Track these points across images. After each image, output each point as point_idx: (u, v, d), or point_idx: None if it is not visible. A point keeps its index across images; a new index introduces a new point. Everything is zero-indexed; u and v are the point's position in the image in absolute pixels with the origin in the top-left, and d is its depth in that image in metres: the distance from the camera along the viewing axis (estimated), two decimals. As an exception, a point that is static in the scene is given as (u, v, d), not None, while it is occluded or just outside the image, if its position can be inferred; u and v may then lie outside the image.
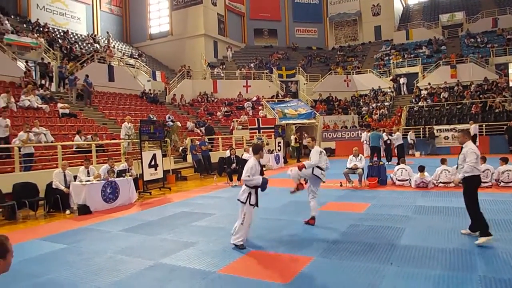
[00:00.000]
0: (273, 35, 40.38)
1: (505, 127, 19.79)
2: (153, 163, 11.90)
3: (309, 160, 6.79)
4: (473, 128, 19.73)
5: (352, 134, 23.40)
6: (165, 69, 31.80)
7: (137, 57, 29.49)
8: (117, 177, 9.89)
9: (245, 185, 5.72)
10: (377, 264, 4.73)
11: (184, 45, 33.57)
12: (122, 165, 10.90)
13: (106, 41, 29.22)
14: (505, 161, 10.08)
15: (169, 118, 18.60)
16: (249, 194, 5.65)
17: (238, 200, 5.71)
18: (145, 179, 11.51)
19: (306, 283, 4.28)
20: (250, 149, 15.63)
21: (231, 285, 4.33)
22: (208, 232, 6.64)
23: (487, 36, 31.27)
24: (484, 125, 20.79)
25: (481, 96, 23.96)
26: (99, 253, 5.66)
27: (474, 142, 19.04)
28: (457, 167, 5.78)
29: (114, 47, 28.71)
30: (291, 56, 37.41)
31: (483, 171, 9.87)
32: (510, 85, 25.44)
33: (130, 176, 10.40)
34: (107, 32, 31.12)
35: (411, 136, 20.88)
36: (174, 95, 25.51)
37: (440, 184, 10.28)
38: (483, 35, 31.66)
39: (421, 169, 10.35)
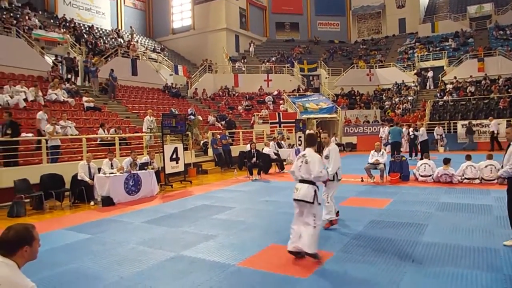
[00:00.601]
0: (295, 29, 40.06)
1: (534, 122, 19.10)
2: (174, 156, 12.05)
3: (328, 163, 6.21)
4: (493, 124, 19.19)
5: (374, 129, 23.04)
6: (187, 63, 32.05)
7: (159, 51, 29.83)
8: (139, 169, 10.07)
9: (309, 182, 4.92)
10: (398, 261, 4.67)
11: (206, 39, 33.72)
12: (145, 158, 11.10)
13: (129, 36, 29.64)
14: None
15: (190, 111, 18.75)
16: (315, 191, 4.86)
17: (301, 200, 4.89)
18: (166, 172, 11.68)
19: (326, 278, 4.27)
20: (271, 143, 15.70)
21: (250, 278, 4.36)
22: (228, 225, 6.69)
23: (517, 28, 30.11)
24: (512, 121, 20.11)
25: (509, 90, 23.16)
26: (122, 244, 5.79)
27: (495, 140, 18.65)
28: (502, 166, 5.43)
29: (137, 41, 29.09)
30: (312, 50, 37.04)
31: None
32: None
33: (152, 169, 10.58)
34: (131, 27, 31.57)
35: (437, 132, 20.38)
36: (196, 89, 25.72)
37: (465, 180, 10.03)
38: (512, 27, 30.50)
39: (446, 161, 10.13)
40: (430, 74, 28.66)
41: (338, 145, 22.75)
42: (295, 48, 36.36)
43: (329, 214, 6.25)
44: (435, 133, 20.33)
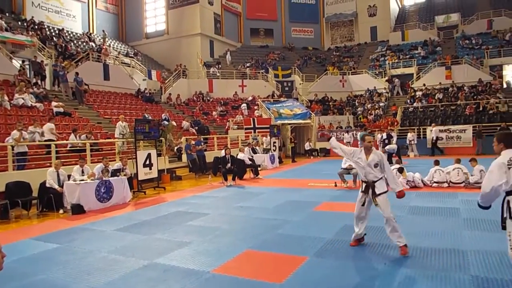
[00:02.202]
0: (269, 35, 40.42)
1: (498, 128, 19.91)
2: (147, 162, 11.86)
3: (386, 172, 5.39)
4: (434, 131, 19.93)
5: (347, 134, 23.44)
6: (161, 68, 31.73)
7: (132, 56, 29.41)
8: (111, 176, 9.86)
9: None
10: (371, 264, 4.75)
11: (180, 44, 33.51)
12: (117, 165, 10.86)
13: (101, 40, 29.07)
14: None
15: (164, 117, 18.55)
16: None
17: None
18: (139, 178, 11.48)
19: (300, 283, 4.28)
20: (246, 148, 15.69)
21: (225, 285, 4.33)
22: (203, 232, 6.63)
23: (482, 38, 31.44)
24: (478, 126, 20.92)
25: (475, 97, 24.12)
26: (92, 253, 5.63)
27: (436, 146, 19.21)
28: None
29: (109, 45, 28.58)
30: (287, 56, 37.43)
31: (480, 171, 9.97)
32: (504, 87, 25.67)
33: (124, 175, 10.38)
34: (103, 31, 30.96)
35: (409, 137, 20.91)
36: (170, 94, 25.46)
37: (434, 184, 10.34)
38: (478, 36, 31.83)
39: (401, 170, 10.43)
40: (397, 82, 29.52)
41: (312, 150, 23.10)
42: (269, 54, 36.65)
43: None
44: (407, 139, 20.86)
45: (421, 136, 22.07)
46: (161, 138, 14.38)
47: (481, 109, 22.63)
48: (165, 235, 6.54)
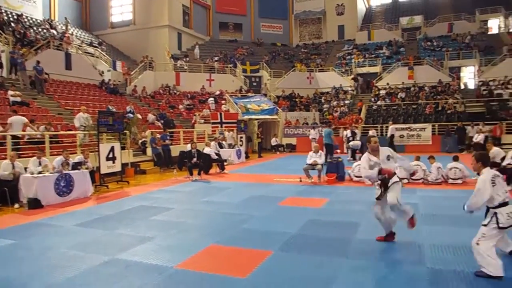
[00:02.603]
0: (238, 30, 40.28)
1: (455, 127, 20.88)
2: (111, 155, 11.56)
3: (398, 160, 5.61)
4: (390, 129, 20.72)
5: (313, 131, 23.79)
6: (127, 59, 30.91)
7: (97, 45, 28.45)
8: (72, 169, 9.53)
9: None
10: (333, 258, 4.86)
11: (147, 36, 32.77)
12: (78, 157, 10.51)
13: (63, 27, 27.92)
14: (455, 159, 10.67)
15: (129, 109, 18.09)
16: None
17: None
18: (102, 172, 11.16)
19: (264, 277, 4.32)
20: (212, 143, 15.61)
21: (188, 281, 4.30)
22: (167, 227, 6.54)
23: (443, 40, 32.77)
24: (436, 125, 21.82)
25: (435, 97, 25.11)
26: (51, 249, 5.43)
27: (391, 143, 19.99)
28: None
29: (72, 34, 27.46)
30: (255, 51, 37.45)
31: (437, 169, 10.42)
32: (462, 88, 26.88)
33: (86, 168, 10.04)
34: (65, 18, 29.69)
35: (370, 135, 21.50)
36: (135, 86, 24.85)
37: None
38: (439, 39, 33.15)
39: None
40: (360, 80, 30.40)
41: (278, 145, 23.29)
42: (238, 49, 36.53)
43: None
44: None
45: (384, 133, 22.75)
46: (125, 131, 14.03)
47: (440, 108, 23.61)
48: (128, 230, 6.41)
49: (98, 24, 34.67)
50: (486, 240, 4.21)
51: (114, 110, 16.43)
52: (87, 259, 4.97)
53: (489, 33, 34.14)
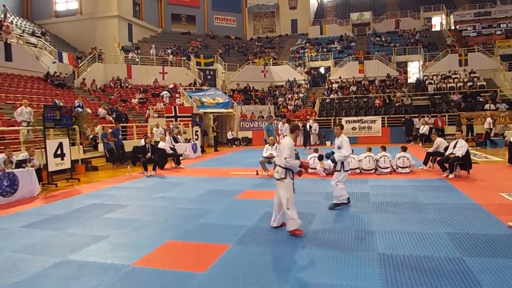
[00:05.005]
0: (192, 22, 39.60)
1: (403, 119, 21.93)
2: (59, 152, 11.01)
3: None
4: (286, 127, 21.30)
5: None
6: (74, 50, 29.41)
7: (40, 35, 26.79)
8: (16, 168, 8.98)
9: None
10: (290, 249, 4.96)
11: (95, 26, 31.31)
12: (22, 155, 9.91)
13: (1, 15, 26.03)
14: (404, 149, 11.24)
15: (78, 103, 17.27)
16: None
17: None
18: (49, 169, 10.61)
19: (222, 270, 4.33)
20: (167, 137, 15.27)
21: (145, 278, 4.21)
22: (121, 224, 6.36)
23: (390, 36, 34.19)
24: (386, 118, 22.79)
25: (384, 90, 26.18)
26: (-6, 253, 5.11)
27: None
28: None
29: (11, 22, 25.69)
30: (209, 44, 37.05)
31: (380, 157, 10.90)
32: (409, 82, 28.23)
33: (31, 166, 9.51)
34: (3, 5, 27.68)
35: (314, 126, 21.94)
36: (84, 79, 23.75)
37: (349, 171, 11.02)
38: (387, 34, 34.54)
39: (320, 158, 10.97)
40: (313, 73, 31.13)
41: (234, 139, 23.30)
42: (191, 41, 35.96)
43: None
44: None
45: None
46: (74, 126, 13.41)
47: (388, 101, 24.66)
48: (80, 229, 6.16)
49: (40, 12, 32.61)
50: (341, 182, 6.74)
51: (61, 104, 15.65)
52: (36, 262, 4.73)
53: (432, 30, 36.05)
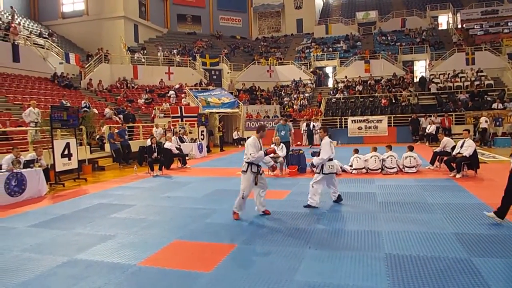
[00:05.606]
0: (197, 22, 39.68)
1: (409, 119, 21.81)
2: (66, 152, 11.09)
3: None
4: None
5: (275, 123, 23.97)
6: (80, 51, 29.60)
7: (47, 36, 27.00)
8: (24, 168, 9.05)
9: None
10: (296, 248, 4.94)
11: (101, 27, 31.50)
12: (30, 155, 10.00)
13: (9, 17, 26.28)
14: (410, 149, 11.18)
15: (84, 104, 17.40)
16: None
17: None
18: (57, 169, 10.69)
19: (229, 270, 4.33)
20: (173, 137, 15.35)
21: (152, 277, 4.23)
22: (128, 224, 6.39)
23: (397, 35, 33.99)
24: (392, 117, 22.67)
25: (390, 90, 26.05)
26: (2, 252, 5.15)
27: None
28: None
29: (19, 24, 25.91)
30: (215, 44, 37.11)
31: (387, 157, 10.84)
32: (415, 81, 28.07)
33: (39, 166, 9.59)
34: (11, 7, 27.96)
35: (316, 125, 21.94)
36: (91, 79, 23.90)
37: (354, 171, 11.00)
38: (393, 34, 34.34)
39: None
40: (320, 73, 31.07)
41: (240, 139, 23.32)
42: (197, 42, 36.03)
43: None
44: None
45: (343, 126, 23.34)
46: (81, 127, 13.50)
47: (394, 101, 24.53)
48: (87, 229, 6.20)
49: (47, 14, 32.87)
50: (316, 183, 6.89)
51: (68, 104, 15.76)
52: (43, 261, 4.76)
53: (439, 28, 35.81)
